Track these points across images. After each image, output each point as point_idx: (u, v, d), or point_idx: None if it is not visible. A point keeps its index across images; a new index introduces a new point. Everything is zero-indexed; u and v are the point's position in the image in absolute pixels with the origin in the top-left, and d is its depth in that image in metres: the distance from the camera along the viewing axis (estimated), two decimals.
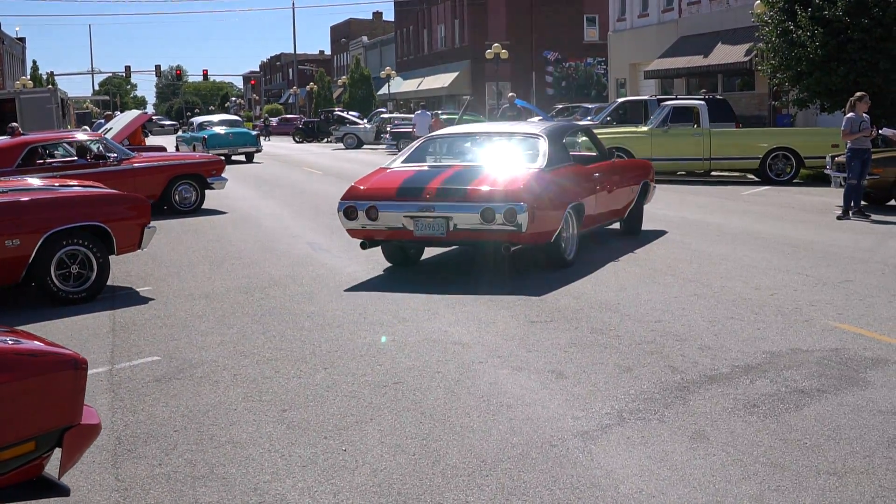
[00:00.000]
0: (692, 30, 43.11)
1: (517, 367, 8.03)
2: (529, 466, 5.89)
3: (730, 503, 5.33)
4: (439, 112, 48.39)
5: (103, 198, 12.13)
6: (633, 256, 13.32)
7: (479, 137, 14.59)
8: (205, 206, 21.48)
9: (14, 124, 23.48)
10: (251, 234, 17.15)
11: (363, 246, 12.73)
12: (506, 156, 13.42)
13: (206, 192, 21.61)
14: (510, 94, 37.25)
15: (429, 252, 13.99)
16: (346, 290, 11.55)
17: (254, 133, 44.70)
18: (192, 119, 47.85)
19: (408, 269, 12.80)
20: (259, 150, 42.52)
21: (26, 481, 4.83)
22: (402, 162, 13.53)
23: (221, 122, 44.34)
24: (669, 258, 13.13)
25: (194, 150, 37.98)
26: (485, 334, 9.20)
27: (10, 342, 4.89)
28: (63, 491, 4.95)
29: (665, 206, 19.56)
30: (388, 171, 13.27)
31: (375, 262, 13.43)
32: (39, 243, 11.00)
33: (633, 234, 15.51)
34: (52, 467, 4.95)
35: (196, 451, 6.36)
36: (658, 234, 15.47)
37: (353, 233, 12.65)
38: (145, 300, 11.46)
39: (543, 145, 13.08)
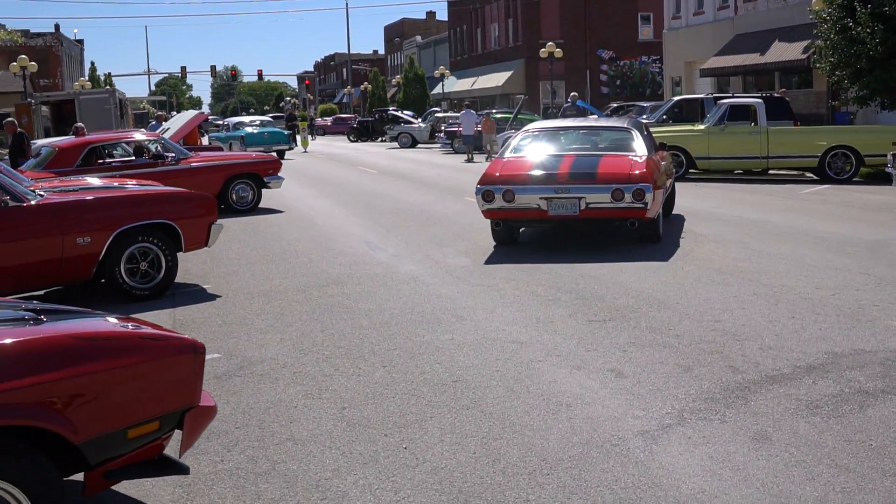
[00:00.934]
0: (748, 27, 42.70)
1: (576, 366, 8.01)
2: (590, 466, 5.87)
3: None
4: (493, 111, 48.41)
5: (172, 196, 12.34)
6: (691, 255, 13.23)
7: (572, 131, 16.18)
8: (261, 205, 21.63)
9: (79, 124, 23.74)
10: (307, 233, 17.24)
11: (497, 225, 14.22)
12: (609, 145, 15.16)
13: (263, 191, 21.75)
14: (573, 94, 37.20)
15: (490, 249, 14.01)
16: (403, 289, 11.57)
17: (286, 133, 47.48)
18: (227, 120, 51.31)
19: (464, 269, 12.80)
20: (291, 149, 45.02)
21: (149, 460, 5.10)
22: (512, 152, 15.07)
23: (252, 123, 47.73)
24: (728, 257, 13.02)
25: (230, 149, 38.56)
26: (543, 333, 9.18)
27: (131, 327, 5.26)
28: (182, 469, 5.22)
29: (722, 204, 19.42)
30: (508, 159, 14.72)
31: (432, 261, 13.47)
32: (110, 240, 11.20)
33: (666, 218, 16.29)
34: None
35: (257, 447, 6.41)
36: (715, 233, 15.34)
37: (488, 213, 14.00)
38: (205, 298, 11.57)
39: (638, 136, 15.07)
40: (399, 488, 5.64)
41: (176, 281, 12.22)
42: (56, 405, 4.53)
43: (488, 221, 14.36)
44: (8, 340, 4.63)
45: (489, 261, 13.35)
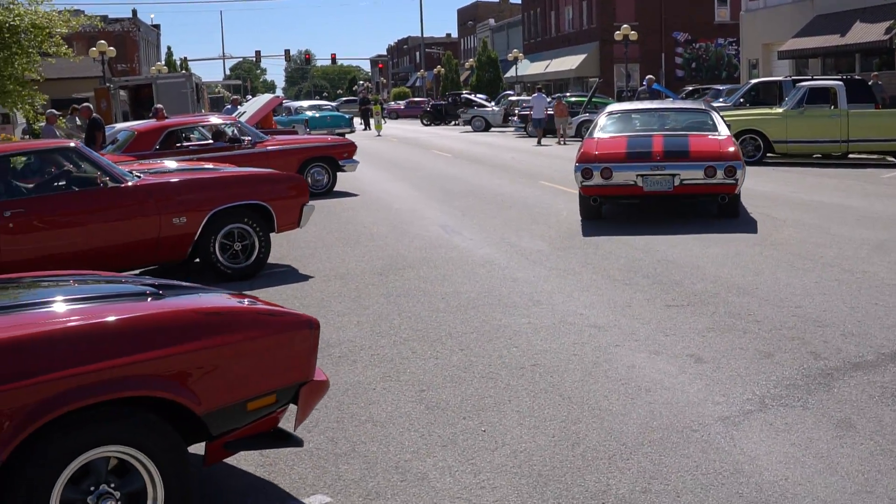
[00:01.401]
0: (828, 8, 41.98)
1: (654, 351, 7.96)
2: (670, 451, 5.84)
3: (880, 493, 5.20)
4: (567, 95, 48.22)
5: (265, 177, 12.62)
6: (770, 240, 13.06)
7: (652, 112, 17.33)
8: (336, 188, 21.72)
9: (159, 106, 23.99)
10: (382, 217, 17.31)
11: (594, 201, 14.99)
12: (690, 125, 16.16)
13: (338, 174, 21.85)
14: (649, 77, 36.91)
15: (558, 237, 13.97)
16: (479, 272, 11.58)
17: (347, 116, 49.87)
18: (288, 104, 52.66)
19: (540, 253, 12.76)
20: (352, 132, 45.53)
21: (265, 432, 5.28)
22: (601, 132, 15.92)
23: (311, 107, 50.07)
24: (807, 242, 12.84)
25: None
26: (621, 318, 9.14)
27: (247, 303, 5.47)
28: (297, 442, 5.40)
29: (801, 189, 19.15)
30: (600, 139, 15.54)
31: (508, 244, 13.46)
32: (205, 221, 11.47)
33: None
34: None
35: (337, 428, 6.46)
36: (794, 218, 15.13)
37: (586, 190, 14.84)
38: (283, 280, 11.67)
39: (716, 117, 16.27)
40: (479, 471, 5.66)
41: None
42: (181, 377, 4.72)
43: (563, 205, 14.43)
44: (135, 314, 4.88)
45: (565, 245, 13.30)
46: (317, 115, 47.00)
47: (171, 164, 13.96)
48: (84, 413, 4.42)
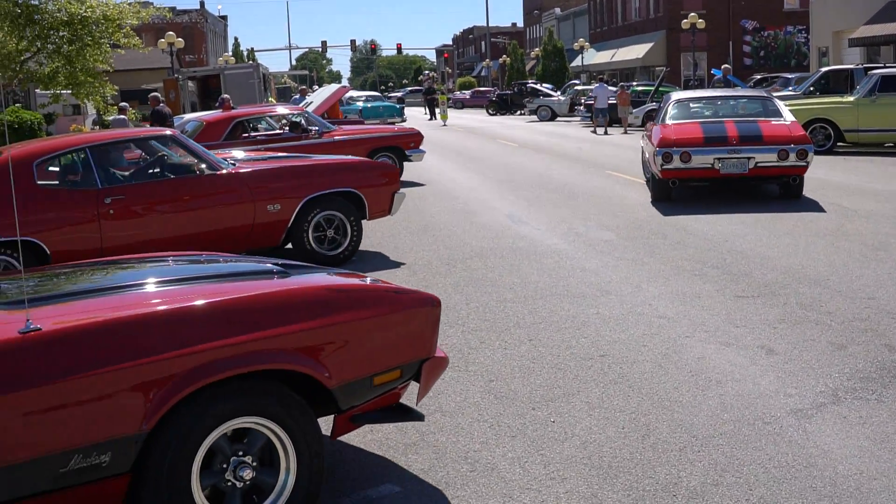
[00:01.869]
0: None
1: (725, 343, 7.89)
2: (742, 443, 5.78)
3: None
4: (634, 84, 47.95)
5: (357, 164, 12.94)
6: (841, 231, 12.88)
7: (716, 99, 18.35)
8: (403, 177, 21.73)
9: (225, 96, 24.19)
10: (450, 206, 17.33)
11: (672, 184, 15.88)
12: (756, 111, 17.13)
13: (405, 164, 21.88)
14: (725, 66, 36.62)
15: (617, 230, 13.89)
16: (546, 262, 11.55)
17: (398, 106, 51.31)
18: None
19: (607, 244, 12.70)
20: (404, 121, 45.75)
21: (388, 406, 5.46)
22: (672, 119, 16.87)
23: (365, 98, 51.52)
24: (881, 233, 12.64)
25: None
26: (690, 308, 9.07)
27: (369, 281, 5.69)
28: (418, 416, 5.59)
29: (873, 179, 18.86)
30: (674, 125, 16.49)
31: (575, 234, 13.41)
32: (298, 208, 11.71)
33: None
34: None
35: None
36: (867, 208, 14.91)
37: (666, 173, 15.69)
38: (350, 269, 11.71)
39: (779, 103, 17.33)
40: (548, 462, 5.65)
41: None
42: (314, 352, 4.90)
43: (632, 194, 14.43)
44: (269, 290, 5.17)
45: (633, 235, 13.23)
46: (369, 105, 48.10)
47: (238, 153, 14.07)
48: (225, 385, 4.58)
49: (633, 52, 71.98)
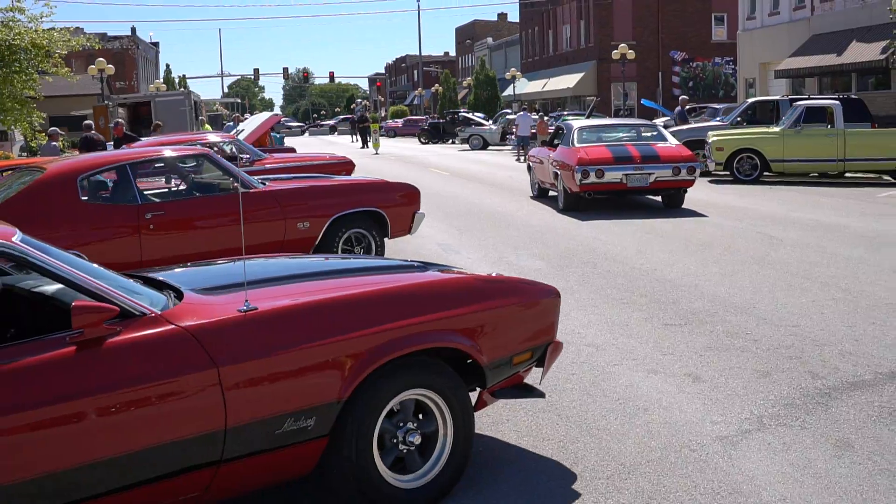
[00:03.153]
0: (825, 28, 42.10)
1: (652, 370, 7.97)
2: (669, 471, 5.84)
3: None
4: (565, 113, 48.34)
5: (380, 185, 13.48)
6: (767, 260, 13.08)
7: (613, 127, 21.80)
8: None
9: (159, 122, 24.01)
10: None
11: (588, 195, 18.91)
12: (648, 136, 20.42)
13: None
14: (683, 97, 37.59)
15: (557, 250, 13.97)
16: None
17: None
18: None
19: (538, 272, 12.77)
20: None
21: (514, 384, 6.14)
22: (580, 143, 19.67)
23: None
24: (806, 262, 12.85)
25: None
26: (618, 337, 9.14)
27: (494, 274, 6.30)
28: (540, 394, 6.31)
29: (797, 208, 19.17)
30: (584, 147, 19.34)
31: (507, 263, 13.47)
32: (326, 226, 12.01)
33: None
34: None
35: None
36: (791, 237, 15.15)
37: (584, 187, 18.60)
38: None
39: (662, 129, 21.58)
40: (479, 490, 5.64)
41: None
42: (472, 334, 5.58)
43: (562, 224, 14.58)
44: (433, 279, 5.94)
45: (563, 264, 13.31)
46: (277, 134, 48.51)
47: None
48: (401, 360, 5.19)
49: (565, 81, 72.61)
